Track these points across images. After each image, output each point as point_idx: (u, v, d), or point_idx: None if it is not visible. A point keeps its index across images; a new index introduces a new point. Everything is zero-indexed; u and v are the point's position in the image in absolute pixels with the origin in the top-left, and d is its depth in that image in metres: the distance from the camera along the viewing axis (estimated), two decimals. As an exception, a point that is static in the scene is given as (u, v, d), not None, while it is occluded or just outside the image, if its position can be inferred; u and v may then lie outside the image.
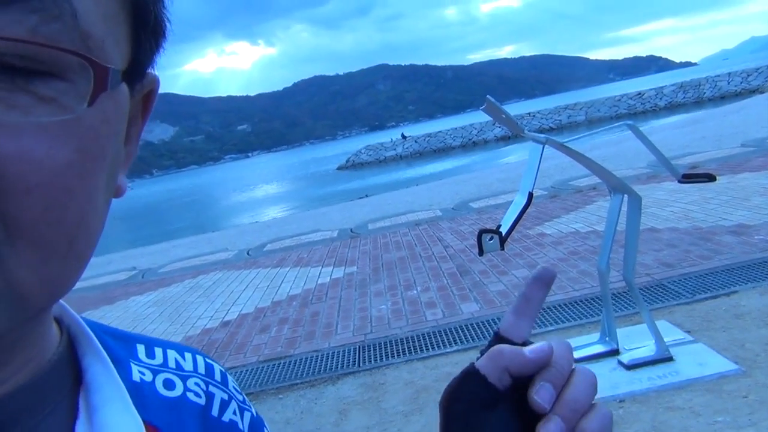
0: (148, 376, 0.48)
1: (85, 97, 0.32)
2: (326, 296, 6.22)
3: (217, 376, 0.54)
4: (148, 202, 61.76)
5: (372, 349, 4.60)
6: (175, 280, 8.66)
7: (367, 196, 20.38)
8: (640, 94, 49.58)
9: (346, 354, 4.60)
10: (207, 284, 7.87)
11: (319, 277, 7.08)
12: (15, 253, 0.31)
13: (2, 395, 0.37)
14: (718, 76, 46.96)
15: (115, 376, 0.44)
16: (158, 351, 0.51)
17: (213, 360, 0.56)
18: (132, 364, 0.47)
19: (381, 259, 7.41)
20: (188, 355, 0.53)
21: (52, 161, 0.31)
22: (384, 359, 4.37)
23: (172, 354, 0.52)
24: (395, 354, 4.43)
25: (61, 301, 0.44)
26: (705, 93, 44.95)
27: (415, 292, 5.81)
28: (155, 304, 7.35)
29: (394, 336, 4.77)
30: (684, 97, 45.73)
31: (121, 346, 0.49)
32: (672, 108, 43.57)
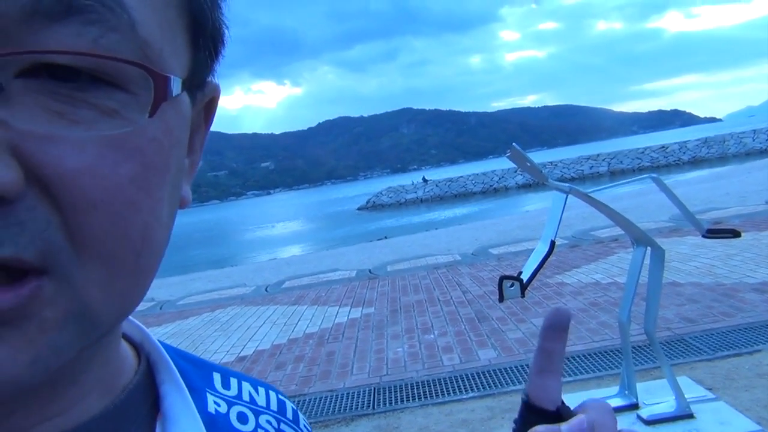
0: (223, 408, 0.47)
1: (147, 107, 0.31)
2: (343, 336, 6.21)
3: (289, 414, 0.54)
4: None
5: (387, 391, 4.57)
6: (193, 313, 8.71)
7: (386, 237, 20.44)
8: (663, 147, 49.56)
9: (360, 395, 4.57)
10: (224, 319, 7.90)
11: (336, 316, 7.08)
12: (83, 270, 0.30)
13: (78, 424, 0.37)
14: (743, 132, 46.83)
15: (192, 407, 0.44)
16: (233, 382, 0.51)
17: (285, 396, 0.56)
18: (208, 394, 0.47)
19: (399, 301, 7.40)
20: (262, 390, 0.53)
21: (116, 175, 0.30)
22: (399, 402, 4.34)
23: (246, 387, 0.52)
24: (410, 398, 4.39)
25: (142, 326, 0.46)
26: (729, 149, 44.79)
27: (432, 336, 5.78)
28: (172, 336, 7.38)
29: (409, 379, 4.73)
30: (708, 153, 45.60)
31: (198, 373, 0.49)
32: (696, 163, 43.40)
